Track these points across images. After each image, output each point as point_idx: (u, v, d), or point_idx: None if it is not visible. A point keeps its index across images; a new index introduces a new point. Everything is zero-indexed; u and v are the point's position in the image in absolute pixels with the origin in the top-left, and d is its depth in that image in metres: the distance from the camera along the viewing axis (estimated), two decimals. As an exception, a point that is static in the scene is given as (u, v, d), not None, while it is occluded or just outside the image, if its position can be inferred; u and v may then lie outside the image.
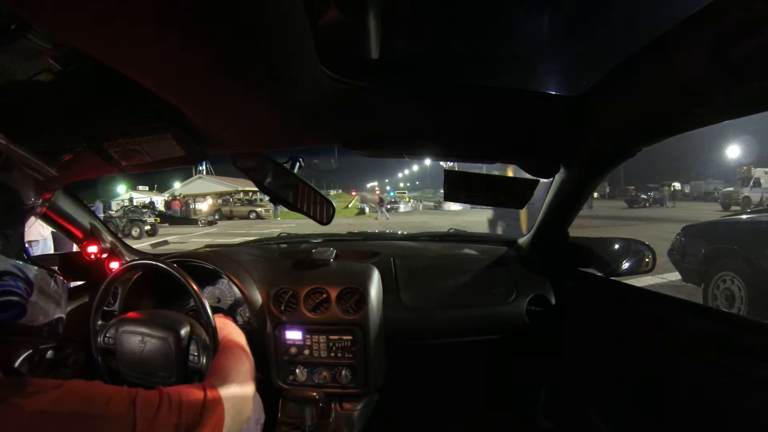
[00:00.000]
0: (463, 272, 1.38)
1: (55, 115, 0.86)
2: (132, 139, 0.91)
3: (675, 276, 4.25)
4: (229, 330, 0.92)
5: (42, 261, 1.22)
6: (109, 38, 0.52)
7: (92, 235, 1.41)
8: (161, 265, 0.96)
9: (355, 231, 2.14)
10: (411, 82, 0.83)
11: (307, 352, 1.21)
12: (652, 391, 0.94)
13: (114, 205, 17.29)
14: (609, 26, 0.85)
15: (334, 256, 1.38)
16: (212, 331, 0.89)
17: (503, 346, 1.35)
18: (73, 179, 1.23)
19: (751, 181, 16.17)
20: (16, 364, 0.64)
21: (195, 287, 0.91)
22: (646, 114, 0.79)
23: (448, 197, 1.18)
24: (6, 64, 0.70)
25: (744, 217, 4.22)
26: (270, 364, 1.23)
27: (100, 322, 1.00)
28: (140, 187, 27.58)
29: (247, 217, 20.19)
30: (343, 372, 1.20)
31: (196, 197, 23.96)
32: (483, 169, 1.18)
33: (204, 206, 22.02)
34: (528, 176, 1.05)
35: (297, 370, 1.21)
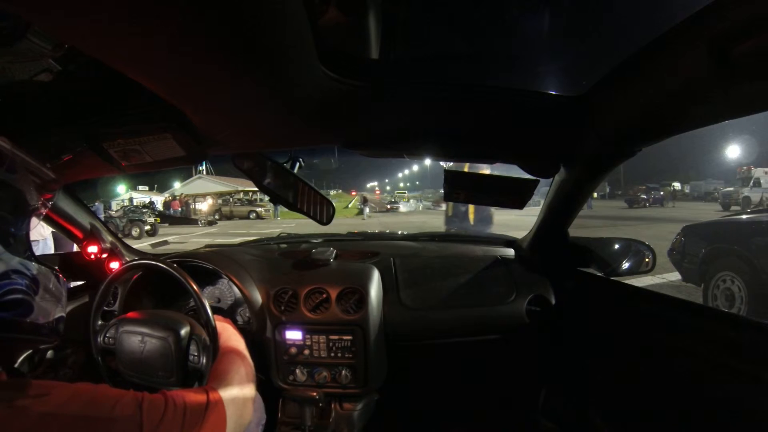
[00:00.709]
0: (463, 272, 1.38)
1: (55, 115, 0.86)
2: (132, 139, 0.91)
3: (675, 276, 4.25)
4: (229, 334, 0.93)
5: (42, 261, 1.22)
6: (109, 38, 0.52)
7: (92, 235, 1.41)
8: (161, 265, 0.96)
9: (355, 231, 2.14)
10: (411, 82, 0.83)
11: (307, 352, 1.21)
12: (652, 391, 0.94)
13: (114, 205, 17.29)
14: (609, 26, 0.85)
15: (334, 256, 1.38)
16: (212, 331, 0.89)
17: (503, 346, 1.35)
18: (73, 179, 1.23)
19: (751, 181, 16.16)
20: (17, 364, 0.64)
21: (195, 287, 0.91)
22: (646, 114, 0.79)
23: (448, 197, 1.18)
24: (6, 64, 0.70)
25: (744, 217, 4.22)
26: (270, 364, 1.23)
27: (100, 322, 1.00)
28: (140, 187, 27.61)
29: (247, 217, 20.19)
30: (343, 372, 1.20)
31: (196, 197, 23.96)
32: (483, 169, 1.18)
33: (204, 206, 22.03)
34: (528, 176, 1.05)
35: (297, 370, 1.21)
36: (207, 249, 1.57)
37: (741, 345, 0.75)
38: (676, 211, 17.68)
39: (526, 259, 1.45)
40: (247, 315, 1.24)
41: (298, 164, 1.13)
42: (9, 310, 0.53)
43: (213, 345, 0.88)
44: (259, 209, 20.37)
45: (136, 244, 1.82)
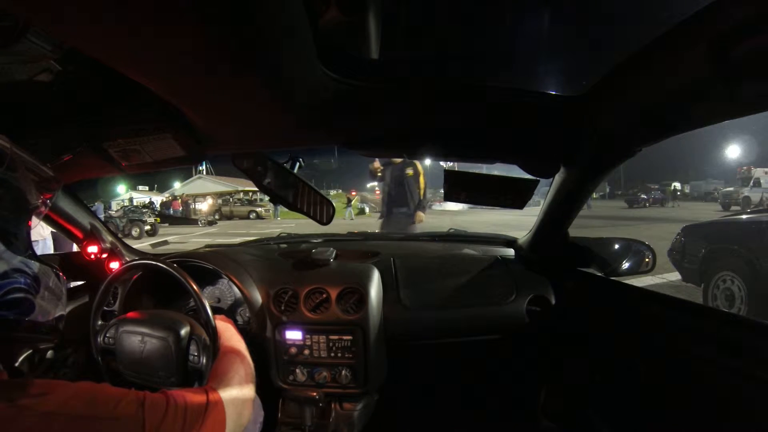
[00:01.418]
0: (463, 272, 1.38)
1: (55, 115, 0.86)
2: (132, 139, 0.91)
3: (675, 276, 4.25)
4: (229, 334, 0.93)
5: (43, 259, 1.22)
6: (109, 38, 0.52)
7: (92, 235, 1.41)
8: (161, 265, 0.96)
9: (355, 231, 2.14)
10: (411, 82, 0.83)
11: (307, 352, 1.21)
12: (652, 391, 0.94)
13: (114, 205, 17.29)
14: (609, 26, 0.85)
15: (334, 256, 1.38)
16: (212, 331, 0.89)
17: (503, 346, 1.35)
18: (73, 179, 1.23)
19: (751, 181, 16.15)
20: (17, 363, 0.64)
21: (195, 287, 0.91)
22: (646, 114, 0.79)
23: (448, 197, 1.18)
24: (6, 64, 0.70)
25: (744, 217, 4.22)
26: (270, 364, 1.23)
27: (100, 322, 1.00)
28: (140, 187, 27.62)
29: (247, 217, 20.20)
30: (343, 372, 1.20)
31: (196, 197, 23.96)
32: (483, 169, 1.18)
33: (204, 206, 22.02)
34: (528, 176, 1.05)
35: (297, 370, 1.21)
36: (207, 249, 1.57)
37: (741, 345, 0.75)
38: (676, 211, 17.68)
39: (526, 259, 1.45)
40: (247, 315, 1.24)
41: (298, 164, 1.13)
42: (10, 309, 0.54)
43: (213, 345, 0.88)
44: (259, 209, 20.38)
45: (136, 244, 1.82)
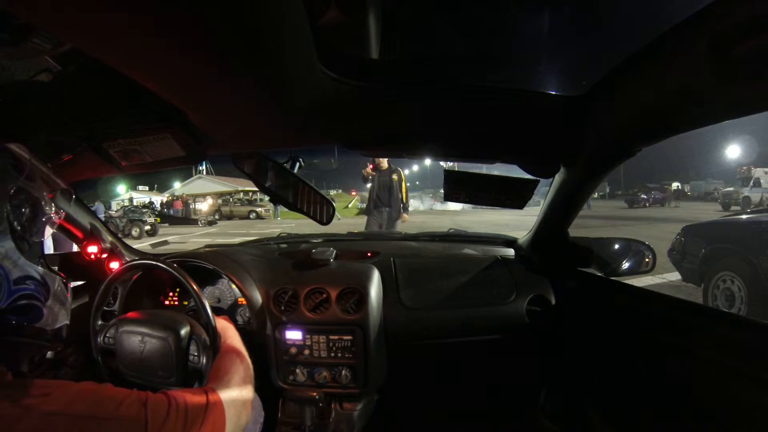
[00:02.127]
0: (463, 272, 1.38)
1: (55, 115, 0.86)
2: (132, 139, 0.91)
3: (675, 276, 4.25)
4: (229, 333, 0.93)
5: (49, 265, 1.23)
6: (109, 38, 0.52)
7: (92, 235, 1.41)
8: (161, 265, 0.96)
9: (355, 231, 2.14)
10: (411, 82, 0.83)
11: (307, 352, 1.21)
12: (652, 391, 0.94)
13: (114, 205, 17.29)
14: (609, 26, 0.84)
15: (334, 256, 1.38)
16: (212, 331, 0.89)
17: (503, 346, 1.35)
18: (73, 179, 1.22)
19: (751, 181, 16.14)
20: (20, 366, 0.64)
21: (195, 287, 0.91)
22: (646, 114, 0.79)
23: (448, 197, 1.18)
24: (6, 64, 0.70)
25: (744, 217, 4.22)
26: (270, 364, 1.23)
27: (100, 322, 1.00)
28: (140, 187, 27.59)
29: (247, 217, 20.19)
30: (343, 372, 1.20)
31: (196, 197, 23.95)
32: (483, 169, 1.18)
33: (204, 206, 22.01)
34: (528, 176, 1.05)
35: (297, 370, 1.21)
36: (207, 249, 1.57)
37: (741, 345, 0.75)
38: (676, 211, 17.67)
39: (526, 259, 1.45)
40: (247, 315, 1.24)
41: (298, 164, 1.13)
42: (21, 315, 0.54)
43: (213, 345, 0.88)
44: (259, 209, 20.36)
45: (136, 244, 1.82)
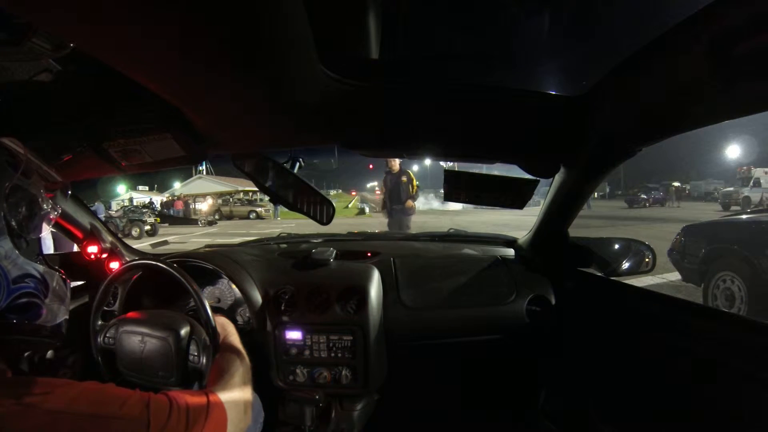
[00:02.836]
0: (463, 272, 1.38)
1: (55, 115, 0.86)
2: (132, 139, 0.91)
3: (675, 276, 4.25)
4: (228, 330, 0.93)
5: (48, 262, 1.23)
6: (109, 38, 0.52)
7: (92, 235, 1.41)
8: (161, 265, 0.96)
9: (355, 231, 2.13)
10: (411, 82, 0.83)
11: (307, 352, 1.21)
12: (652, 391, 0.94)
13: (114, 205, 17.29)
14: (609, 26, 0.85)
15: (334, 256, 1.38)
16: (212, 331, 0.89)
17: (503, 346, 1.35)
18: (73, 179, 1.22)
19: (751, 181, 16.12)
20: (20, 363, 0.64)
21: (195, 287, 0.91)
22: (646, 114, 0.79)
23: (448, 197, 1.18)
24: (6, 64, 0.70)
25: (744, 217, 4.22)
26: (270, 365, 1.23)
27: (100, 322, 1.00)
28: (140, 187, 27.58)
29: (247, 217, 20.18)
30: (344, 372, 1.20)
31: (196, 197, 23.95)
32: (483, 169, 1.18)
33: (204, 206, 22.01)
34: (528, 176, 1.05)
35: (297, 371, 1.21)
36: (207, 249, 1.57)
37: (741, 345, 0.75)
38: (676, 211, 17.67)
39: (526, 259, 1.45)
40: (247, 315, 1.24)
41: (298, 164, 1.13)
42: (20, 313, 0.54)
43: (213, 345, 0.88)
44: (259, 209, 20.34)
45: (136, 244, 1.82)
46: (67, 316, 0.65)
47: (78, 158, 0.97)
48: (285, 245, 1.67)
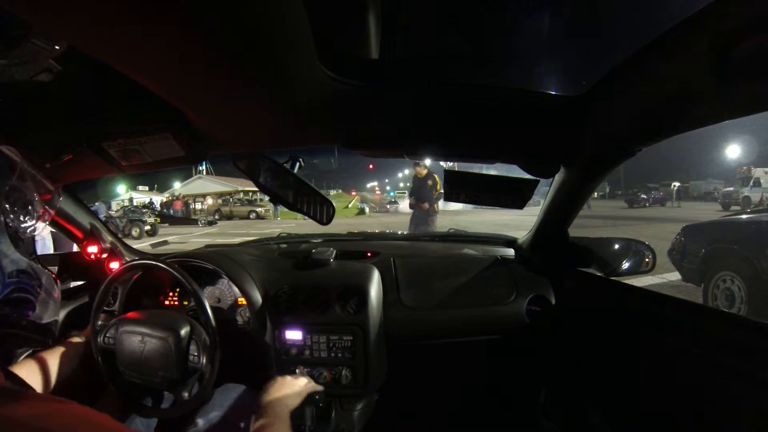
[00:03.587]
0: (463, 272, 1.38)
1: (55, 115, 0.86)
2: (132, 139, 0.91)
3: (675, 276, 4.25)
4: (278, 397, 0.84)
5: (42, 261, 1.22)
6: (109, 38, 0.52)
7: (92, 235, 1.41)
8: (161, 265, 0.96)
9: (355, 231, 2.13)
10: (411, 83, 0.83)
11: (307, 352, 1.21)
12: (652, 391, 0.94)
13: (114, 205, 17.29)
14: (609, 26, 0.84)
15: (334, 256, 1.38)
16: (212, 331, 0.89)
17: (503, 346, 1.35)
18: (73, 179, 1.22)
19: (751, 181, 16.11)
20: (18, 360, 0.64)
21: (195, 287, 0.91)
22: (646, 114, 0.79)
23: (448, 197, 1.18)
24: (6, 64, 0.70)
25: (744, 217, 4.21)
26: (270, 364, 1.23)
27: (100, 322, 1.00)
28: (140, 187, 27.60)
29: (247, 217, 20.19)
30: (344, 372, 1.20)
31: (196, 197, 23.95)
32: (483, 169, 1.18)
33: (204, 206, 22.02)
34: (528, 176, 1.05)
35: (297, 371, 1.21)
36: (207, 249, 1.57)
37: (741, 345, 0.75)
38: (676, 211, 17.66)
39: (526, 259, 1.45)
40: (247, 315, 1.24)
41: (298, 164, 1.13)
42: (15, 307, 0.56)
43: (213, 345, 0.88)
44: (259, 209, 20.36)
45: (136, 244, 1.82)
46: (57, 317, 0.65)
47: (78, 158, 0.97)
48: (285, 245, 1.67)
